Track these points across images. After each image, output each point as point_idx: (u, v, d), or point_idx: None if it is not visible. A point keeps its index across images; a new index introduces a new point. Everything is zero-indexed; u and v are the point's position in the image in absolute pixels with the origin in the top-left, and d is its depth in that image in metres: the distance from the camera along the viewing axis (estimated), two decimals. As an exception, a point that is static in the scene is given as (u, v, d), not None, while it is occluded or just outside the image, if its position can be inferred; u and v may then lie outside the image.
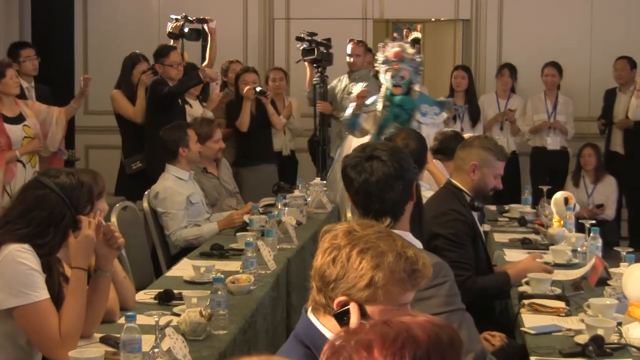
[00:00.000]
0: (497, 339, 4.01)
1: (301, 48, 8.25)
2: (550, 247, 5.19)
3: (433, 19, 11.30)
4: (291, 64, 9.80)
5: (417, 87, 7.15)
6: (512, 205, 6.78)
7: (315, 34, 8.25)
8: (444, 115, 7.05)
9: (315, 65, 8.20)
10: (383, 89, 7.04)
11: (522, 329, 3.85)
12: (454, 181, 4.72)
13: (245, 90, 7.94)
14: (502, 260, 5.16)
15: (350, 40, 8.80)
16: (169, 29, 8.22)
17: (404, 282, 2.30)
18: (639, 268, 3.73)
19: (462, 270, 4.27)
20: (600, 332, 3.56)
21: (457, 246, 4.39)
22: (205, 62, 8.12)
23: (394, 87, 6.93)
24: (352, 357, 1.58)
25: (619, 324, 3.67)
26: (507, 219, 6.48)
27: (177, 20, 8.19)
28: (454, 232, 4.41)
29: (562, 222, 5.65)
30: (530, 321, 3.92)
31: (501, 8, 10.15)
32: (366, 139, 6.81)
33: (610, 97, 9.32)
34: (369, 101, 7.08)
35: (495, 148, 4.79)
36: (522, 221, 6.25)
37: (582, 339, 3.58)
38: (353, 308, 2.31)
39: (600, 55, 9.69)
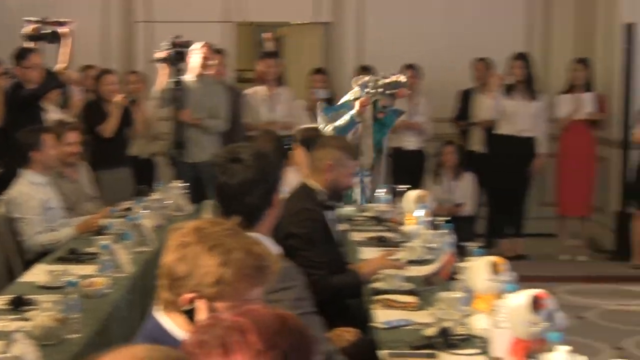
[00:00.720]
0: (350, 334, 4.10)
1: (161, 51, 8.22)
2: (403, 244, 5.34)
3: (295, 22, 11.40)
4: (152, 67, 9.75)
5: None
6: (370, 205, 6.91)
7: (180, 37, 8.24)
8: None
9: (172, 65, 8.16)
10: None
11: (373, 323, 3.96)
12: (308, 181, 4.80)
13: (116, 98, 7.90)
14: (359, 258, 5.27)
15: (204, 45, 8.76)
16: (25, 31, 8.07)
17: (252, 278, 2.34)
18: (483, 262, 3.86)
19: (316, 270, 4.35)
20: (447, 324, 3.68)
21: (311, 245, 4.46)
22: (61, 65, 7.99)
23: (380, 113, 7.27)
24: (225, 340, 1.61)
25: (466, 316, 3.80)
26: (365, 218, 6.61)
27: (33, 22, 8.04)
28: (307, 232, 4.49)
29: (415, 219, 5.79)
30: (382, 316, 4.03)
31: (362, 11, 10.33)
32: None
33: (466, 97, 9.60)
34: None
35: (349, 148, 4.93)
36: (378, 219, 6.40)
37: (430, 331, 3.69)
38: (201, 304, 2.34)
39: (458, 56, 9.96)
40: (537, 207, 9.91)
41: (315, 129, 6.69)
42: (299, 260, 4.35)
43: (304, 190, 4.77)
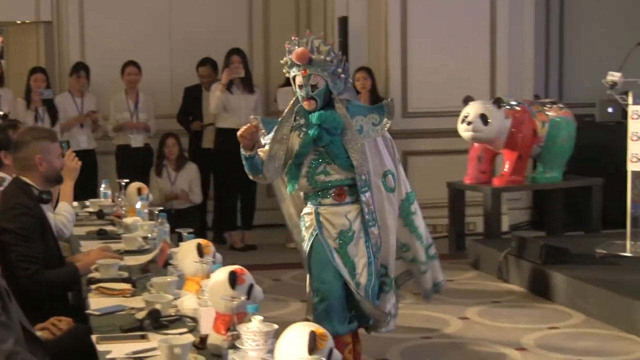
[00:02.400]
0: (64, 323, 4.16)
1: None
2: (122, 236, 5.47)
3: (17, 22, 11.16)
4: None
5: (344, 96, 5.20)
6: (93, 200, 6.95)
7: None
8: (387, 121, 5.20)
9: None
10: (290, 105, 5.26)
11: (88, 311, 4.06)
12: (22, 177, 4.79)
13: None
14: (79, 252, 5.33)
15: None
16: None
17: None
18: (190, 245, 4.04)
19: (31, 264, 4.40)
20: (158, 306, 3.83)
21: (26, 240, 4.47)
22: None
23: (305, 100, 5.05)
24: None
25: (177, 298, 3.97)
26: (87, 213, 6.65)
27: None
28: (22, 226, 4.49)
29: (135, 212, 5.93)
30: (97, 304, 4.14)
31: (82, 9, 10.28)
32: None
33: (192, 94, 9.78)
34: (267, 137, 5.27)
35: (46, 132, 4.99)
36: (100, 214, 6.47)
37: (141, 314, 3.83)
38: None
39: (179, 54, 10.12)
40: (266, 199, 10.20)
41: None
42: (13, 255, 4.41)
43: (18, 185, 4.76)
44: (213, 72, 9.70)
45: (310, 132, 5.05)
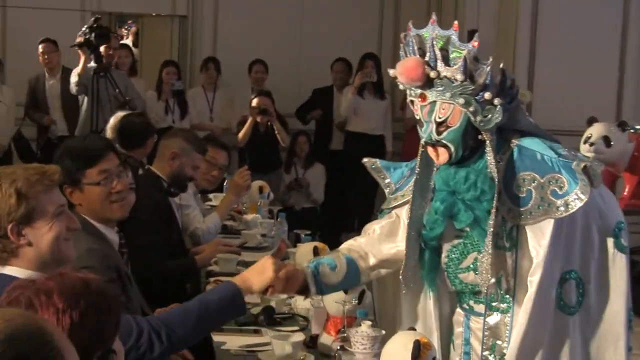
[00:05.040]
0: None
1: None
2: (242, 232, 5.65)
3: (152, 14, 11.53)
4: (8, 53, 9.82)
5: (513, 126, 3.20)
6: (216, 194, 7.14)
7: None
8: (582, 193, 2.95)
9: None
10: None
11: (205, 302, 4.24)
12: (152, 168, 5.03)
13: None
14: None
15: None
16: None
17: (41, 182, 2.61)
18: (308, 247, 4.18)
19: (153, 254, 4.62)
20: (272, 303, 4.00)
21: (151, 230, 4.67)
22: None
23: (429, 146, 3.10)
24: (32, 300, 1.86)
25: (291, 297, 4.12)
26: (209, 207, 6.85)
27: None
28: (148, 217, 4.69)
29: (255, 209, 6.12)
30: (215, 296, 4.32)
31: (217, 5, 10.57)
32: None
33: (319, 95, 9.92)
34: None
35: (197, 141, 5.19)
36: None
37: (257, 310, 4.00)
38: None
39: (308, 55, 10.30)
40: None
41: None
42: (138, 243, 4.62)
43: (148, 176, 5.00)
44: (348, 71, 9.83)
45: (436, 203, 3.15)
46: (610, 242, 3.07)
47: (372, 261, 3.35)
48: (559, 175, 2.98)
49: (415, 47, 3.01)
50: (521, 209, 3.00)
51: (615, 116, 9.53)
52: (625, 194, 8.87)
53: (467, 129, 3.00)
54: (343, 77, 9.82)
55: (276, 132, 8.75)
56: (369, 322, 3.17)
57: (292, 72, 10.17)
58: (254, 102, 8.63)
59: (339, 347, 3.26)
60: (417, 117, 3.07)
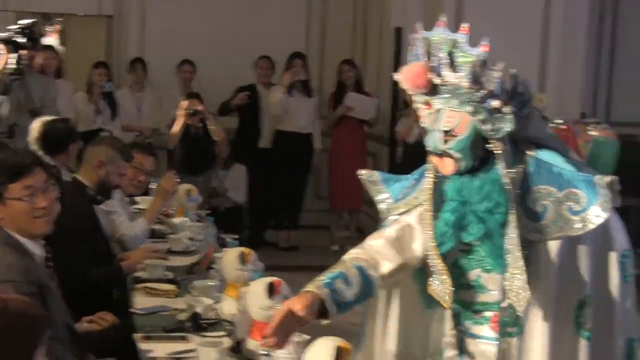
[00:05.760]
0: (109, 317, 4.38)
1: None
2: (169, 236, 5.69)
3: (78, 14, 11.44)
4: None
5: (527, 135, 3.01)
6: (144, 197, 7.11)
7: None
8: (603, 209, 2.82)
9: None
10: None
11: (133, 309, 4.29)
12: (78, 177, 5.05)
13: None
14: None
15: None
16: None
17: None
18: (234, 252, 4.24)
19: (79, 263, 4.63)
20: (198, 309, 4.05)
21: (76, 239, 4.67)
22: None
23: (435, 156, 2.95)
24: None
25: (217, 302, 4.18)
26: (137, 210, 6.82)
27: None
28: (73, 226, 4.66)
29: (183, 212, 6.15)
30: (142, 303, 4.36)
31: (143, 5, 10.54)
32: None
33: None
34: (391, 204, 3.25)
35: (123, 148, 5.22)
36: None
37: (183, 316, 4.05)
38: None
39: (237, 55, 10.32)
40: (312, 200, 10.43)
41: None
42: (63, 253, 4.63)
43: (74, 185, 5.01)
44: (272, 68, 9.87)
45: (445, 214, 2.95)
46: (614, 269, 2.89)
47: (386, 268, 3.01)
48: (576, 191, 2.80)
49: (422, 51, 2.86)
50: (536, 224, 2.83)
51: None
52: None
53: (475, 138, 2.85)
54: (267, 74, 9.87)
55: (210, 127, 8.80)
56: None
57: (220, 72, 10.19)
58: (184, 104, 8.65)
59: (264, 353, 3.33)
60: (423, 125, 2.93)
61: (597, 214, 2.79)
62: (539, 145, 2.93)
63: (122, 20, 10.60)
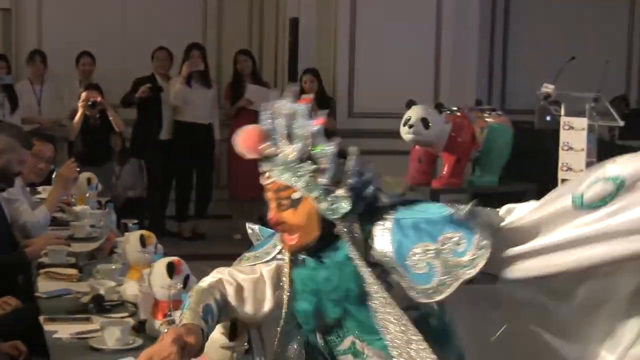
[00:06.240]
0: (12, 301, 4.44)
1: None
2: (71, 223, 5.76)
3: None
4: None
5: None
6: (45, 187, 7.12)
7: None
8: (480, 252, 2.60)
9: None
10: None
11: (37, 293, 4.36)
12: (-21, 164, 5.07)
13: None
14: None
15: None
16: None
17: None
18: (135, 236, 4.34)
19: None
20: (101, 291, 4.14)
21: None
22: None
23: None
24: None
25: (120, 284, 4.27)
26: (38, 200, 6.83)
27: None
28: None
29: (84, 200, 6.22)
30: (46, 287, 4.45)
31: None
32: None
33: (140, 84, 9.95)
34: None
35: (22, 136, 5.26)
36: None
37: (86, 299, 4.14)
38: None
39: (133, 46, 10.35)
40: (215, 190, 10.52)
41: None
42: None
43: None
44: (169, 59, 9.92)
45: (302, 304, 2.76)
46: None
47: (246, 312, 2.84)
48: (451, 233, 2.60)
49: (266, 117, 2.71)
50: (426, 287, 2.60)
51: (433, 99, 9.99)
52: (444, 173, 9.31)
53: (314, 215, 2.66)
54: (165, 65, 9.92)
55: (110, 118, 8.84)
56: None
57: (118, 63, 10.20)
58: (83, 95, 8.67)
59: (165, 330, 3.42)
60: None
61: (481, 247, 2.58)
62: (393, 206, 2.71)
63: (19, 12, 10.52)
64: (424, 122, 8.84)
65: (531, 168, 10.16)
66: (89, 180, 6.44)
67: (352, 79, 10.12)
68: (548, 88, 7.88)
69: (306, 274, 2.73)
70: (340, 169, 2.63)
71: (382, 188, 2.72)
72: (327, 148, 2.63)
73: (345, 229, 2.65)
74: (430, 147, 9.15)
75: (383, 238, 2.66)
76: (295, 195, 2.65)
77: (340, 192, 2.62)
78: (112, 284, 4.23)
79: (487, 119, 9.36)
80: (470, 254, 2.57)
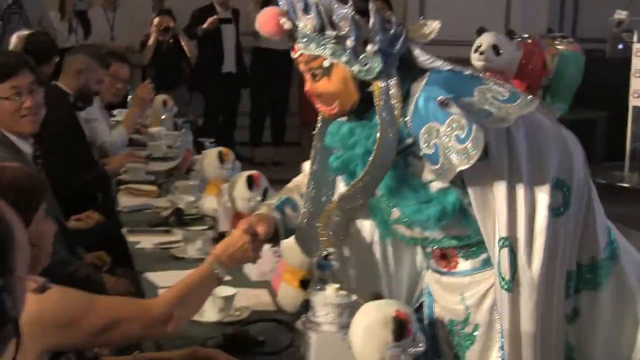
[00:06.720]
0: (95, 215, 4.59)
1: None
2: (148, 143, 5.88)
3: None
4: None
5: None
6: (121, 110, 7.24)
7: None
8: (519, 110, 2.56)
9: None
10: None
11: (118, 208, 4.50)
12: (58, 84, 5.19)
13: None
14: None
15: None
16: None
17: None
18: (213, 153, 4.41)
19: (66, 166, 4.79)
20: (181, 205, 4.25)
21: (60, 144, 4.82)
22: None
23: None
24: None
25: (199, 199, 4.37)
26: (114, 122, 6.98)
27: None
28: (57, 133, 4.80)
29: (159, 122, 6.34)
30: (126, 202, 4.59)
31: None
32: None
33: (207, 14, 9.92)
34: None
35: (100, 56, 5.35)
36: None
37: (167, 212, 4.26)
38: None
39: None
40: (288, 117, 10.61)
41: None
42: (52, 158, 4.80)
43: (55, 93, 5.15)
44: None
45: (330, 159, 2.73)
46: (543, 202, 2.52)
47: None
48: (459, 120, 2.45)
49: None
50: (434, 167, 2.51)
51: (504, 27, 9.91)
52: (514, 100, 9.28)
53: (349, 80, 2.60)
54: None
55: (183, 44, 8.93)
56: (336, 285, 2.60)
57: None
58: (156, 21, 8.75)
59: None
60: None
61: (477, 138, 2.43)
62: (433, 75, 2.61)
63: None
64: (495, 48, 8.79)
65: (602, 96, 10.09)
66: (165, 103, 6.54)
67: (423, 5, 10.07)
68: (621, 14, 7.79)
69: (333, 127, 2.70)
70: (363, 29, 2.56)
71: (411, 37, 2.63)
72: (343, 11, 2.55)
73: (377, 89, 2.58)
74: (501, 73, 9.07)
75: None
76: (326, 63, 2.59)
77: (368, 51, 2.56)
78: (191, 198, 4.34)
79: (558, 47, 9.26)
80: (467, 150, 2.43)
